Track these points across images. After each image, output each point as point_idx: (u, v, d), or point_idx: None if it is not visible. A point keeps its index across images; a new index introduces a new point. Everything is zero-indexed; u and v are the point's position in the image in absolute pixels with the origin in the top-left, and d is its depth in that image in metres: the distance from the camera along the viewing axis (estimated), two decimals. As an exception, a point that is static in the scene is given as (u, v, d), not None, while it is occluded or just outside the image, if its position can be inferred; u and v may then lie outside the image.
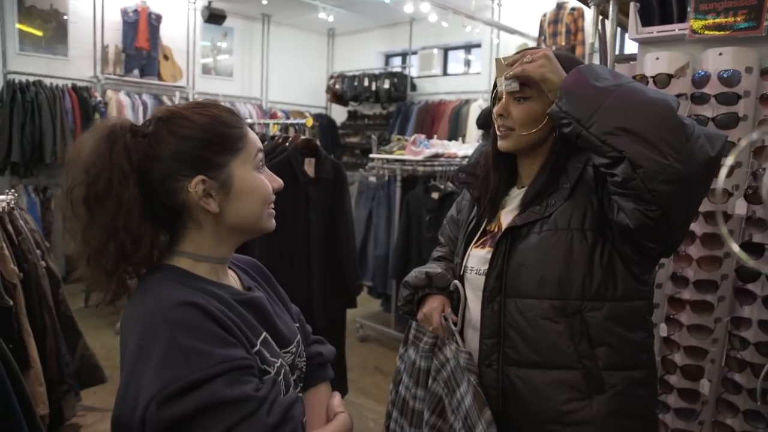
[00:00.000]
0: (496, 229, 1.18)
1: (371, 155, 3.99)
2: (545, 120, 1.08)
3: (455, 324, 1.19)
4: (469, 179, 1.29)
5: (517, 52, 1.08)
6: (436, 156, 3.71)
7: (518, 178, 1.21)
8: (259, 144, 0.88)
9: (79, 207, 0.77)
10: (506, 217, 1.17)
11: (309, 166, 2.39)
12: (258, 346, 0.81)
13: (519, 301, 1.07)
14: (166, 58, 5.67)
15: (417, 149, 3.72)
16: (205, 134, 0.82)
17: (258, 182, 0.86)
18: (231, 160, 0.83)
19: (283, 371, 0.84)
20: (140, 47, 5.41)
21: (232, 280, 0.93)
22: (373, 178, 3.92)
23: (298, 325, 1.02)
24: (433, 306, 1.23)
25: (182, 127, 0.82)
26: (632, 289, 1.05)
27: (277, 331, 0.91)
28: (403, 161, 3.68)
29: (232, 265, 0.97)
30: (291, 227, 2.35)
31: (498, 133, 1.14)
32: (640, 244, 1.00)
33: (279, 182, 0.90)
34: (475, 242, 1.21)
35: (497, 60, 1.06)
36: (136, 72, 5.41)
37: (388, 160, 3.79)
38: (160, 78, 5.59)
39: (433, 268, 1.29)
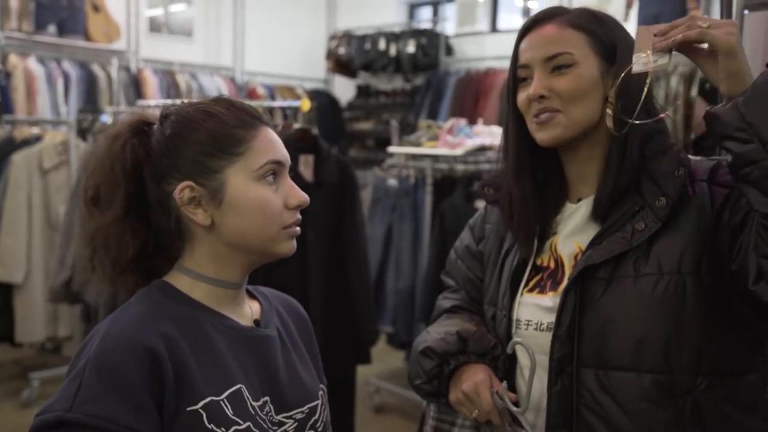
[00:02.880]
0: (551, 265, 1.23)
1: (390, 148, 4.08)
2: (594, 90, 1.14)
3: (516, 404, 1.16)
4: (500, 195, 1.30)
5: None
6: (482, 149, 3.79)
7: (568, 189, 1.25)
8: (276, 155, 1.02)
9: (87, 206, 1.02)
10: (566, 244, 1.22)
11: (305, 167, 2.49)
12: (213, 399, 0.94)
13: (604, 374, 1.10)
14: (96, 9, 5.82)
15: (455, 140, 3.81)
16: (199, 133, 1.00)
17: (257, 195, 1.00)
18: (227, 166, 0.99)
19: None
20: (58, -7, 5.49)
21: (248, 310, 1.09)
22: (392, 181, 4.02)
23: (322, 391, 1.15)
24: (478, 379, 1.20)
25: (177, 124, 1.01)
26: (748, 358, 1.11)
27: (277, 386, 1.04)
28: (435, 157, 3.77)
29: (261, 296, 1.14)
30: (280, 250, 2.44)
31: (536, 121, 1.17)
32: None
33: (299, 198, 1.04)
34: (527, 284, 1.24)
35: (642, 29, 1.09)
36: (52, 29, 5.50)
37: (414, 156, 3.88)
38: (87, 37, 5.74)
39: (461, 324, 1.29)
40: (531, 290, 1.23)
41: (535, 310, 1.21)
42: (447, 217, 3.60)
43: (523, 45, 1.20)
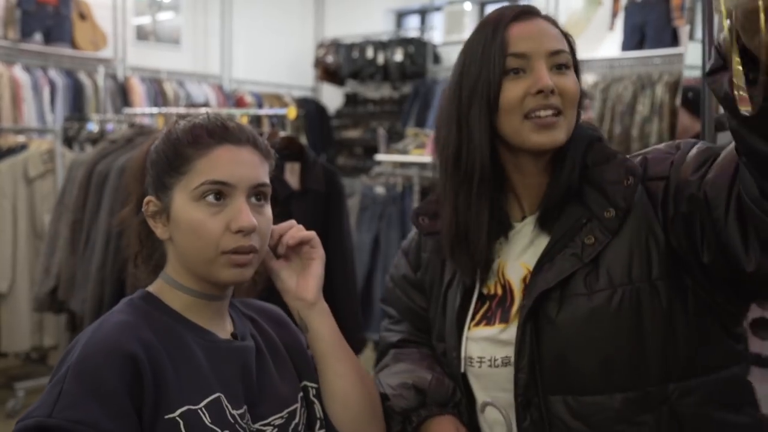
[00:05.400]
0: (498, 291, 1.15)
1: (378, 156, 4.10)
2: None
3: None
4: (437, 226, 1.20)
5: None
6: (470, 157, 3.80)
7: (511, 206, 1.16)
8: (219, 175, 0.98)
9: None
10: (513, 267, 1.14)
11: (291, 175, 2.49)
12: (190, 408, 0.95)
13: (573, 399, 1.05)
14: (82, 17, 5.81)
15: (442, 147, 3.82)
16: (158, 151, 1.05)
17: (190, 216, 0.99)
18: (175, 184, 1.02)
19: None
20: (44, 1, 5.50)
21: (229, 324, 1.10)
22: (380, 189, 4.03)
23: (303, 392, 1.14)
24: None
25: (158, 139, 1.07)
26: (727, 350, 1.05)
27: (254, 394, 1.05)
28: (422, 164, 3.78)
29: (230, 308, 1.13)
30: (267, 259, 2.45)
31: (538, 122, 1.05)
32: (741, 287, 0.99)
33: (242, 222, 0.98)
34: (473, 317, 1.16)
35: None
36: (38, 37, 5.49)
37: (401, 163, 3.90)
38: (74, 45, 5.73)
39: (413, 371, 1.21)
40: (478, 323, 1.15)
41: (485, 345, 1.13)
42: (434, 224, 3.61)
43: (515, 32, 1.06)
